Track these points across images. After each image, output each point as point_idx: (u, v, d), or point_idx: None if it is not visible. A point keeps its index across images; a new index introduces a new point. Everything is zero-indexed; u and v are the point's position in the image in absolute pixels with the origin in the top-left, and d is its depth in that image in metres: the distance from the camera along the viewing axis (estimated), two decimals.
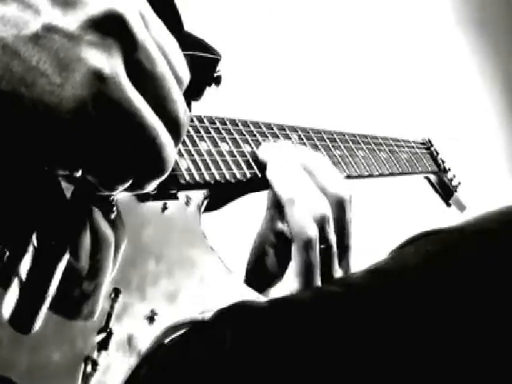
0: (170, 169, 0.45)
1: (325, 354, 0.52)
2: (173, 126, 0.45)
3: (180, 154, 0.71)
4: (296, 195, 0.77)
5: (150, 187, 0.46)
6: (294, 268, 0.75)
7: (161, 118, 0.44)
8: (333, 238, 0.79)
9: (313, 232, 0.75)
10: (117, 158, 0.43)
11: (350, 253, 0.81)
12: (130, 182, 0.44)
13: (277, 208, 0.81)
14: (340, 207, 0.80)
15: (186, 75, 0.47)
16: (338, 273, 0.80)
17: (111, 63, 0.41)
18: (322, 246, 0.77)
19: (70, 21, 0.41)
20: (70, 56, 0.40)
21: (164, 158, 0.44)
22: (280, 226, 0.82)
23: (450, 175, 1.39)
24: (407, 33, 2.07)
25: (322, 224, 0.77)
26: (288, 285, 0.76)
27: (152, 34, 0.44)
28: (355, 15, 2.00)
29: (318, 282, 0.76)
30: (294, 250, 0.75)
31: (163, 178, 0.45)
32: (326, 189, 0.80)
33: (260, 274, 0.83)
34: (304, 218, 0.76)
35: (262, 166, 0.81)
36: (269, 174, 0.80)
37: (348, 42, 1.92)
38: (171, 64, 0.45)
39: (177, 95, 0.45)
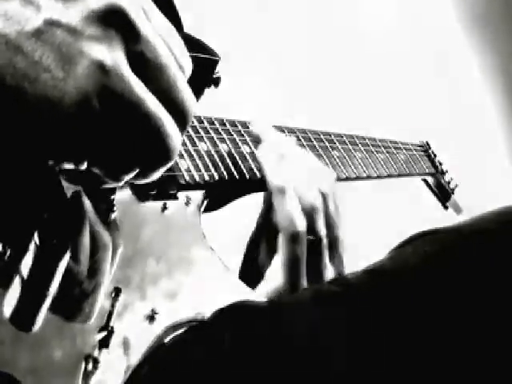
0: (176, 156, 0.45)
1: (324, 354, 0.52)
2: (179, 113, 0.45)
3: (180, 154, 0.71)
4: (287, 185, 0.77)
5: (156, 175, 0.46)
6: (280, 260, 0.75)
7: (167, 106, 0.44)
8: (322, 229, 0.78)
9: (301, 225, 0.75)
10: (122, 148, 0.43)
11: (340, 247, 0.81)
12: (136, 171, 0.45)
13: (270, 202, 0.81)
14: (325, 198, 0.80)
15: (188, 64, 0.47)
16: (329, 267, 0.79)
17: (113, 55, 0.42)
18: (311, 238, 0.77)
19: (72, 15, 0.41)
20: (72, 50, 0.40)
21: (170, 146, 0.44)
22: (274, 219, 0.81)
23: (447, 177, 1.40)
24: (406, 30, 2.07)
25: (311, 215, 0.77)
26: (272, 277, 0.76)
27: (154, 25, 0.44)
28: (353, 14, 2.00)
29: (304, 275, 0.76)
30: (281, 243, 0.75)
31: (169, 165, 0.46)
32: (312, 181, 0.80)
33: (252, 267, 0.83)
34: (293, 209, 0.76)
35: (257, 140, 0.81)
36: (261, 157, 0.80)
37: (347, 41, 1.92)
38: (174, 54, 0.46)
39: (182, 83, 0.45)
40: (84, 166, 0.43)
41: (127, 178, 0.45)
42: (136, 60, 0.43)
